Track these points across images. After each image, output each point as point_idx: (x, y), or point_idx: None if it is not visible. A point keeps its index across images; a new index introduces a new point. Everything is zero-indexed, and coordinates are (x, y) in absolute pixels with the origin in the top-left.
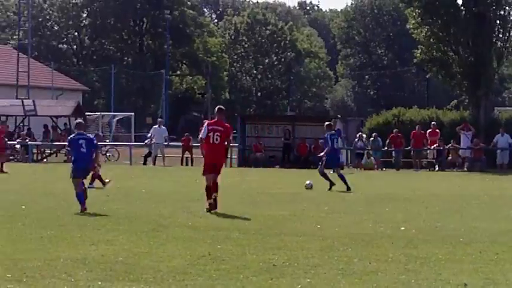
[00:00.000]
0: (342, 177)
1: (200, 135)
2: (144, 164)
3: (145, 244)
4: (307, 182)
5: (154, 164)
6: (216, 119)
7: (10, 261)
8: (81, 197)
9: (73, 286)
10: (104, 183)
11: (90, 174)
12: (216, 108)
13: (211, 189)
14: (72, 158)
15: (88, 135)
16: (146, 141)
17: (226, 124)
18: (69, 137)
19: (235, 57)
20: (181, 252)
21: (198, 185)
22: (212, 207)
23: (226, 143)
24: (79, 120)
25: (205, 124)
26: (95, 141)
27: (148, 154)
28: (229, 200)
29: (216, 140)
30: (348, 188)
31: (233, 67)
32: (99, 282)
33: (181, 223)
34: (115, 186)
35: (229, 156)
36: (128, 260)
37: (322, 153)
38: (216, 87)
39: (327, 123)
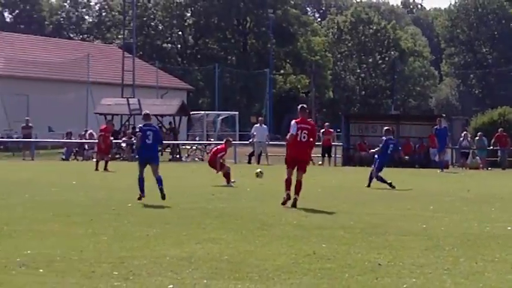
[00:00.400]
0: (382, 180)
1: (290, 132)
2: (249, 162)
3: (250, 242)
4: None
5: (258, 162)
6: (301, 118)
7: (116, 259)
8: (142, 183)
9: (179, 284)
10: (229, 181)
11: (221, 173)
12: (299, 107)
13: (294, 187)
14: (139, 146)
15: (156, 127)
16: (250, 140)
17: (312, 122)
18: (139, 126)
19: (339, 56)
20: (286, 251)
21: (304, 184)
22: (286, 201)
23: (312, 140)
24: (146, 111)
25: (293, 122)
26: (161, 135)
27: (253, 153)
28: (334, 198)
29: (304, 137)
30: (392, 186)
31: (336, 66)
32: (205, 281)
33: (286, 221)
34: (220, 184)
35: (333, 155)
36: (233, 258)
37: (373, 150)
38: (319, 86)
39: (386, 128)
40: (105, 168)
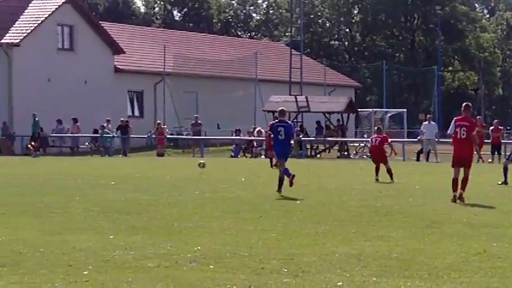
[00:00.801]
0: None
1: (448, 131)
2: (417, 160)
3: (419, 240)
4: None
5: (427, 160)
6: (463, 115)
7: (286, 256)
8: (287, 172)
9: (348, 281)
10: (391, 177)
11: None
12: (464, 105)
13: (460, 184)
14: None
15: (289, 122)
16: (418, 137)
17: (472, 120)
18: (270, 123)
19: (508, 52)
20: (456, 249)
21: (472, 182)
22: (457, 199)
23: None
24: (282, 108)
25: (453, 120)
26: (293, 129)
27: (421, 151)
28: (504, 197)
29: (463, 134)
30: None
31: (506, 63)
32: (374, 278)
33: (456, 219)
34: (388, 182)
35: (502, 153)
36: (402, 256)
37: None
38: (488, 83)
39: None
40: (275, 165)
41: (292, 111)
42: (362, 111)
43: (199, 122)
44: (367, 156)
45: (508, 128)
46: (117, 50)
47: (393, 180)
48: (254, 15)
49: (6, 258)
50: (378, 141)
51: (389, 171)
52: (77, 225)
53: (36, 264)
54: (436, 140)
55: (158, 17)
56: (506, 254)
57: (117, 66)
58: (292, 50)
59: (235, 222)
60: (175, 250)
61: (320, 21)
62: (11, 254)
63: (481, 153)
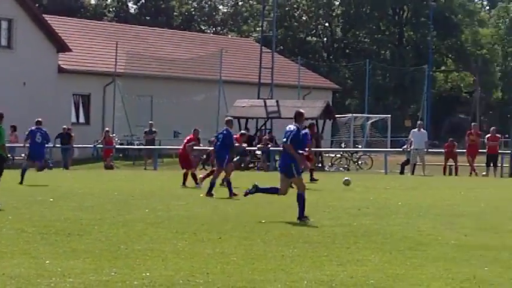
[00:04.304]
0: None
1: None
2: (401, 173)
3: (400, 265)
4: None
5: (413, 173)
6: None
7: (248, 283)
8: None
9: None
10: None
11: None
12: None
13: None
14: None
15: (226, 131)
16: (404, 147)
17: None
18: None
19: (510, 50)
20: (442, 275)
21: (463, 198)
22: None
23: None
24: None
25: None
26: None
27: (406, 162)
28: (500, 215)
29: None
30: None
31: (507, 61)
32: None
33: (443, 241)
34: (367, 198)
35: (499, 165)
36: (380, 283)
37: None
38: (486, 84)
39: None
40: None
41: (261, 117)
42: (340, 117)
43: (153, 129)
44: (344, 168)
45: (507, 136)
46: (62, 47)
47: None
48: (220, 7)
49: None
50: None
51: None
52: (9, 248)
53: None
54: (426, 150)
55: (111, 10)
56: (499, 280)
57: (61, 65)
58: (263, 47)
59: (191, 245)
60: (120, 277)
61: (296, 14)
62: None
63: (475, 164)
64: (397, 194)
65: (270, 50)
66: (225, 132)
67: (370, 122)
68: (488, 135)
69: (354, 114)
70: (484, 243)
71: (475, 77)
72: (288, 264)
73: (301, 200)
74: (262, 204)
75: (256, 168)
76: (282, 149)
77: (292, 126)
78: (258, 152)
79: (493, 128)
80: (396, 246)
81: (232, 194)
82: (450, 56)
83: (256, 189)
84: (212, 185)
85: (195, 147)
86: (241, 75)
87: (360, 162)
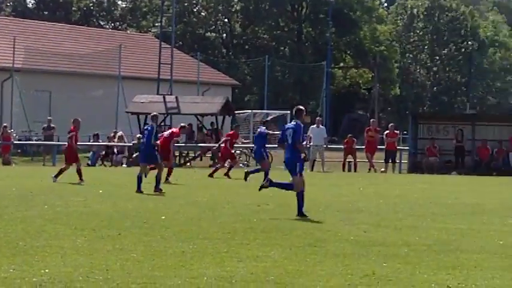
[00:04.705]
0: None
1: None
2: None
3: (300, 261)
4: None
5: (312, 169)
6: None
7: (148, 279)
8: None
9: None
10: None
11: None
12: None
13: None
14: None
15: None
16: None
17: None
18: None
19: (408, 46)
20: (341, 271)
21: (362, 194)
22: None
23: None
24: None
25: None
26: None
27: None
28: (398, 211)
29: None
30: None
31: (405, 58)
32: None
33: (343, 237)
34: (267, 194)
35: (397, 161)
36: (280, 279)
37: None
38: (384, 81)
39: None
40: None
41: (160, 113)
42: (240, 113)
43: (52, 125)
44: (244, 164)
45: (405, 132)
46: None
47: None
48: (119, 2)
49: None
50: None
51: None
52: None
53: None
54: (325, 146)
55: (8, 5)
56: (398, 276)
57: None
58: (162, 42)
59: (90, 241)
60: (19, 273)
61: (195, 9)
62: None
63: (374, 161)
64: None
65: (169, 46)
66: (149, 128)
67: (269, 118)
68: (387, 131)
69: (253, 111)
70: (383, 239)
71: (374, 73)
72: (188, 260)
73: (301, 197)
74: (162, 201)
75: None
76: (287, 146)
77: (293, 123)
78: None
79: (391, 124)
80: (296, 242)
81: (158, 189)
82: (349, 52)
83: (270, 183)
84: (158, 182)
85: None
86: (141, 70)
87: None
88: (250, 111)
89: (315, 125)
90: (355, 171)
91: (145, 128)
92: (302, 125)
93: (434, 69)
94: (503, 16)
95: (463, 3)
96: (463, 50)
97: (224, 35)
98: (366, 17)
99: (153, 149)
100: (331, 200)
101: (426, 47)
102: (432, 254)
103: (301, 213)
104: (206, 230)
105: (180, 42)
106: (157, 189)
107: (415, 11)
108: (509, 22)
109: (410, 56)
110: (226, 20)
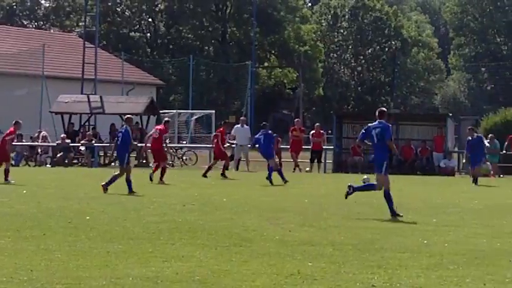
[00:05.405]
0: None
1: None
2: (226, 169)
3: (226, 260)
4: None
5: (237, 169)
6: None
7: (72, 280)
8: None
9: None
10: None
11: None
12: None
13: None
14: None
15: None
16: (226, 144)
17: None
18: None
19: (333, 46)
20: (266, 270)
21: (288, 194)
22: None
23: None
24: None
25: None
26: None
27: (231, 157)
28: (323, 210)
29: None
30: None
31: (329, 58)
32: None
33: (268, 237)
34: (192, 194)
35: (322, 161)
36: (205, 279)
37: None
38: (309, 80)
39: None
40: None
41: (84, 113)
42: (164, 113)
43: None
44: (169, 164)
45: (330, 132)
46: None
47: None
48: (43, 2)
49: None
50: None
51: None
52: None
53: None
54: (249, 146)
55: None
56: (323, 275)
57: None
58: (86, 42)
59: (14, 242)
60: None
61: (119, 9)
62: None
63: (299, 160)
64: (222, 190)
65: (93, 45)
66: (123, 131)
67: (194, 118)
68: (313, 131)
69: (178, 110)
70: (308, 238)
71: (298, 73)
72: (113, 260)
73: (388, 197)
74: (87, 201)
75: (79, 164)
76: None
77: (378, 123)
78: (82, 148)
79: (317, 124)
80: (221, 242)
81: (131, 190)
82: (273, 52)
83: (353, 189)
84: (112, 180)
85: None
86: (64, 70)
87: (184, 158)
88: (175, 111)
89: (239, 125)
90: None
91: (119, 130)
92: (389, 125)
93: (359, 69)
94: (427, 16)
95: (387, 4)
96: (386, 49)
97: (148, 34)
98: (290, 16)
99: (125, 152)
100: (257, 199)
101: (350, 46)
102: (357, 253)
103: (393, 213)
104: (131, 230)
105: (104, 42)
106: (106, 186)
107: (339, 10)
108: (432, 22)
109: (335, 55)
110: (150, 19)
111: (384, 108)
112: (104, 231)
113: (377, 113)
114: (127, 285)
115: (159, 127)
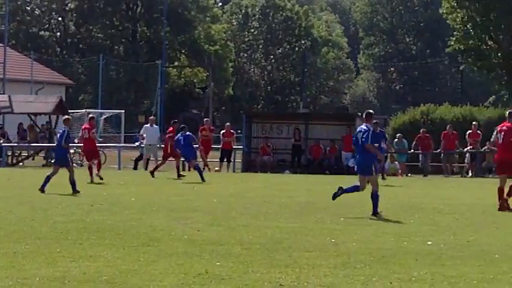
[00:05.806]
0: None
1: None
2: (135, 168)
3: (133, 260)
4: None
5: (146, 168)
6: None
7: None
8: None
9: None
10: None
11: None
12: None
13: (504, 192)
14: None
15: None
16: (137, 143)
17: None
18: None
19: (243, 46)
20: (174, 270)
21: (196, 193)
22: (503, 208)
23: None
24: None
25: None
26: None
27: (140, 157)
28: (232, 209)
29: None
30: None
31: (239, 57)
32: None
33: (176, 236)
34: (101, 194)
35: (232, 160)
36: (113, 279)
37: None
38: (219, 80)
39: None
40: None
41: None
42: (74, 113)
43: None
44: (77, 164)
45: (239, 131)
46: None
47: None
48: None
49: None
50: None
51: None
52: None
53: None
54: (159, 145)
55: None
56: (231, 275)
57: None
58: None
59: None
60: None
61: (28, 8)
62: None
63: (208, 160)
64: (131, 189)
65: (2, 44)
66: (60, 132)
67: (103, 117)
68: (223, 131)
69: (87, 110)
70: (217, 238)
71: (208, 72)
72: (19, 261)
73: (375, 198)
74: None
75: None
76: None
77: (364, 127)
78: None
79: (227, 124)
80: (129, 242)
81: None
82: (184, 51)
83: (342, 191)
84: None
85: None
86: None
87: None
88: (84, 110)
89: (148, 124)
90: (189, 170)
91: (58, 131)
92: (372, 128)
93: (269, 68)
94: (337, 16)
95: (298, 3)
96: (296, 49)
97: (58, 33)
98: (201, 16)
99: (64, 152)
100: (165, 199)
101: (261, 46)
102: (265, 253)
103: (375, 212)
104: (38, 230)
105: (13, 41)
106: (74, 191)
107: (249, 10)
108: (342, 22)
109: (245, 55)
110: (60, 18)
111: (371, 111)
112: (11, 231)
113: (364, 116)
114: (34, 285)
115: (85, 126)
